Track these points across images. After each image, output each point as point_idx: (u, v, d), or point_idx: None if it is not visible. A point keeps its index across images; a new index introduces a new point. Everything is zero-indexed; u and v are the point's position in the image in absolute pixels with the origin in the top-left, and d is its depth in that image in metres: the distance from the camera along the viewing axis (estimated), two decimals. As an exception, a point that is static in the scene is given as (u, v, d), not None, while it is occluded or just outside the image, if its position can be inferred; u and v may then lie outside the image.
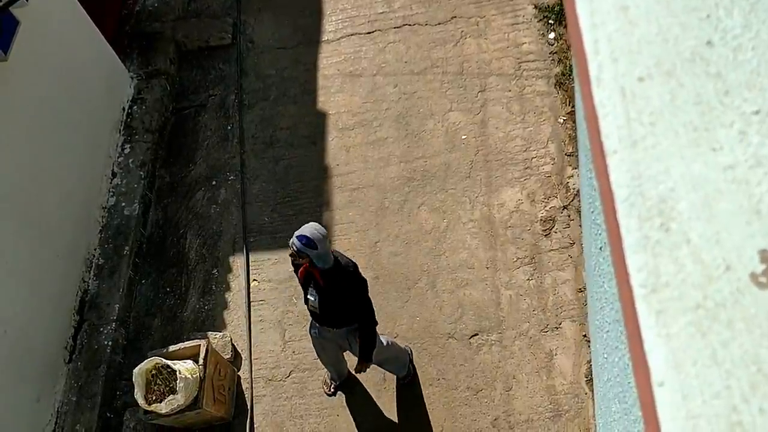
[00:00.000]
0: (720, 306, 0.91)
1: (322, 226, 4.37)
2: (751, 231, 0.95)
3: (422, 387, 5.36)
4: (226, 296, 5.95)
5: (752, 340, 0.88)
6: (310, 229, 4.20)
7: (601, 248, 1.69)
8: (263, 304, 5.87)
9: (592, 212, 1.78)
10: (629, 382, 1.43)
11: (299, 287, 5.83)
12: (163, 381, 4.99)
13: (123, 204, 6.21)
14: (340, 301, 4.45)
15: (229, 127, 6.75)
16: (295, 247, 4.16)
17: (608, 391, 1.98)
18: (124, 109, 6.65)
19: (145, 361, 4.98)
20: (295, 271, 4.57)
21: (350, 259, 4.50)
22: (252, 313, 5.84)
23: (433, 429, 5.23)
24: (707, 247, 0.96)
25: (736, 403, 0.84)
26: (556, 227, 5.75)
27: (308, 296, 4.51)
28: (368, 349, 4.61)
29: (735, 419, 0.83)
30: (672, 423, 0.85)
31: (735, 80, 1.07)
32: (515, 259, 5.68)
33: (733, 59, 1.08)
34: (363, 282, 4.48)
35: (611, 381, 1.88)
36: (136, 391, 4.92)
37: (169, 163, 6.69)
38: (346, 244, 5.94)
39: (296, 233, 4.20)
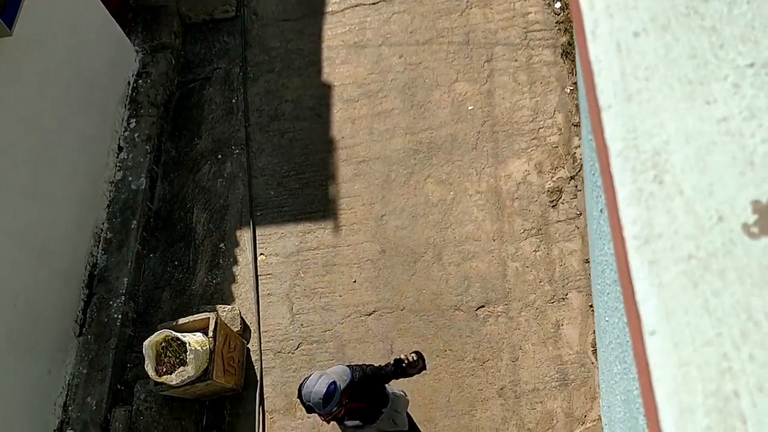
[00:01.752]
0: (712, 256, 0.92)
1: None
2: (744, 182, 0.95)
3: (429, 358, 5.38)
4: (234, 270, 5.98)
5: (744, 290, 0.88)
6: (316, 388, 3.85)
7: (601, 210, 1.69)
8: (270, 277, 5.90)
9: (593, 174, 1.78)
10: (628, 341, 1.43)
11: (306, 261, 5.88)
12: (173, 353, 5.03)
13: (130, 178, 6.23)
14: (374, 403, 4.28)
15: (234, 100, 6.74)
16: (326, 410, 3.84)
17: (610, 354, 1.99)
18: (129, 83, 6.64)
19: (155, 333, 5.02)
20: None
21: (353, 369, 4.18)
22: (260, 286, 5.87)
23: (440, 399, 5.27)
24: (700, 198, 0.96)
25: (727, 350, 0.85)
26: (563, 198, 5.73)
27: (348, 427, 4.31)
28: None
29: (725, 366, 0.84)
30: (663, 370, 0.85)
31: (730, 34, 1.06)
32: (522, 231, 5.67)
33: (728, 13, 1.07)
34: (372, 374, 4.19)
35: (612, 343, 1.89)
36: (146, 363, 4.96)
37: (175, 137, 6.69)
38: (352, 217, 5.95)
39: (312, 402, 3.84)
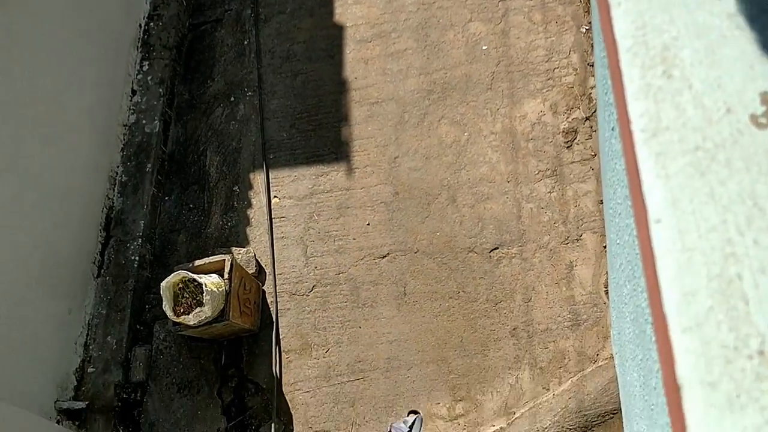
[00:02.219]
0: (719, 147, 0.91)
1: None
2: (753, 75, 0.94)
3: (442, 300, 5.44)
4: (248, 213, 6.01)
5: (750, 177, 0.88)
6: None
7: (613, 128, 1.67)
8: (284, 220, 5.93)
9: (606, 94, 1.76)
10: (637, 253, 1.44)
11: (320, 204, 5.90)
12: (190, 294, 5.09)
13: (144, 121, 6.24)
14: None
15: (246, 42, 6.69)
16: None
17: (620, 277, 2.00)
18: (140, 26, 6.60)
19: (172, 274, 5.07)
20: None
21: None
22: (274, 229, 5.91)
23: (453, 339, 5.33)
24: (709, 91, 0.95)
25: (731, 236, 0.85)
26: (578, 139, 5.69)
27: None
28: None
29: (729, 251, 0.84)
30: (667, 256, 0.86)
31: (744, -73, 1.04)
32: (537, 172, 5.65)
33: None
34: None
35: (623, 264, 1.89)
36: (164, 303, 5.03)
37: (188, 80, 6.67)
38: (365, 159, 5.95)
39: None
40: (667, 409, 0.80)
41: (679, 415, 0.80)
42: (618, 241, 1.95)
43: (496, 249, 5.50)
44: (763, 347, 0.79)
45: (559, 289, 5.30)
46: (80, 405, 5.30)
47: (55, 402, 5.24)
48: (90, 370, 5.48)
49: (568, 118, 5.75)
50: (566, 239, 5.43)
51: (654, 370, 1.38)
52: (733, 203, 0.87)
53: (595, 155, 5.61)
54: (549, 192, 5.57)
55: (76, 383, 5.43)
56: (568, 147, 5.68)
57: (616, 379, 4.63)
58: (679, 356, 0.81)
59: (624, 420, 3.55)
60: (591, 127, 5.70)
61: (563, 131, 5.72)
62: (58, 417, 5.23)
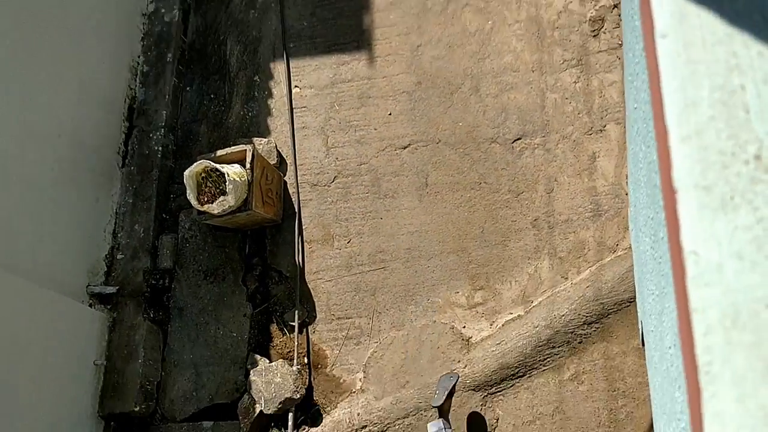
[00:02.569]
0: (732, -39, 0.89)
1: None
2: None
3: (464, 191, 5.45)
4: (269, 103, 5.99)
5: (762, -9, 0.86)
6: None
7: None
8: (305, 110, 5.91)
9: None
10: (651, 108, 1.42)
11: (341, 93, 5.86)
12: (213, 183, 5.16)
13: (163, 10, 6.16)
14: None
15: (264, -73, 6.50)
16: None
17: (637, 142, 1.98)
18: None
19: (195, 164, 5.12)
20: None
21: None
22: (295, 119, 5.89)
23: (474, 230, 5.38)
24: None
25: (737, 49, 0.84)
26: (605, 27, 5.53)
27: None
28: None
29: (734, 63, 0.84)
30: (672, 69, 0.85)
31: None
32: (562, 61, 5.53)
33: None
34: None
35: (640, 129, 1.88)
36: (188, 192, 5.10)
37: (206, -33, 6.54)
38: (387, 48, 5.85)
39: None
40: (664, 213, 0.82)
41: (673, 219, 0.81)
42: (635, 105, 1.93)
43: (518, 139, 5.46)
44: (760, 152, 0.79)
45: (581, 180, 5.28)
46: (111, 290, 5.48)
47: (87, 287, 5.42)
48: (119, 256, 5.64)
49: (595, 6, 5.58)
50: (590, 130, 5.37)
51: (662, 219, 1.39)
52: (740, 16, 0.86)
53: (622, 45, 5.46)
54: (574, 82, 5.47)
55: (106, 269, 5.61)
56: (594, 36, 5.53)
57: (633, 267, 4.67)
58: (676, 162, 0.81)
59: (636, 293, 3.61)
60: (618, 16, 5.53)
61: (590, 20, 5.56)
62: (90, 301, 5.42)
